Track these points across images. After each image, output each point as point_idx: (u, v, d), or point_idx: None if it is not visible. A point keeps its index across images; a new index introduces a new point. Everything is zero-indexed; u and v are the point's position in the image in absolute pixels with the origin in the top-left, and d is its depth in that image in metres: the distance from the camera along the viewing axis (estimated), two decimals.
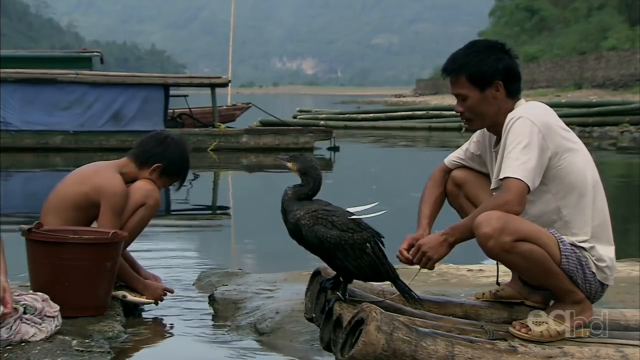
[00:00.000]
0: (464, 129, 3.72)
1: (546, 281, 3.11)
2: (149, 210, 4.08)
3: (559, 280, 3.05)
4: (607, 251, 3.12)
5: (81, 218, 3.96)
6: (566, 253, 3.03)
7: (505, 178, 3.01)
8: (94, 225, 3.97)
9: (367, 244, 3.08)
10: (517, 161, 3.00)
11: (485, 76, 3.16)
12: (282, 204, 3.17)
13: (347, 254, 3.06)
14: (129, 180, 4.06)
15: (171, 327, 4.01)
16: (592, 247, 3.09)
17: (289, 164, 3.22)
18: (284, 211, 3.16)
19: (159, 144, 4.17)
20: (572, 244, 3.06)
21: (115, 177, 3.99)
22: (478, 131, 3.40)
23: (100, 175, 3.98)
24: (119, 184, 3.97)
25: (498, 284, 3.47)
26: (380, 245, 3.14)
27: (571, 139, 3.15)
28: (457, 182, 3.44)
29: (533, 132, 3.04)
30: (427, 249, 3.09)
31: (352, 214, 3.11)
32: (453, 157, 3.50)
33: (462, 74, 3.18)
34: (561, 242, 3.04)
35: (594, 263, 3.08)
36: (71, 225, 3.90)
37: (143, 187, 4.07)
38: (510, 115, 3.12)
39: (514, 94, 3.21)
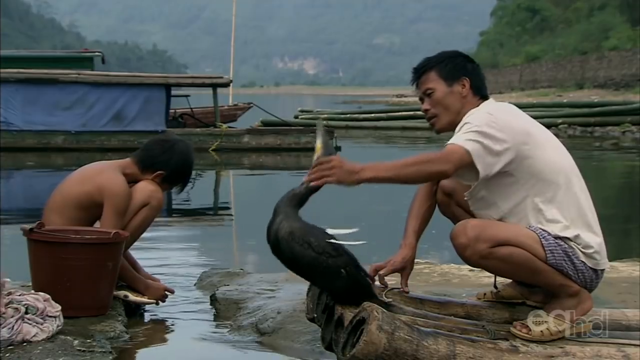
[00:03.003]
0: None
1: (535, 280, 3.11)
2: (152, 211, 4.08)
3: (548, 277, 3.05)
4: (592, 237, 3.09)
5: (84, 218, 3.97)
6: (550, 248, 3.02)
7: (447, 144, 3.00)
8: (97, 224, 3.97)
9: (342, 270, 2.99)
10: (463, 134, 3.01)
11: (453, 71, 3.24)
12: (275, 207, 3.06)
13: (321, 276, 3.00)
14: (131, 181, 4.06)
15: (173, 327, 4.02)
16: (576, 236, 3.06)
17: (319, 142, 3.05)
18: (274, 213, 3.05)
19: (164, 152, 4.14)
20: (556, 237, 3.05)
21: (119, 178, 3.99)
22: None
23: (103, 175, 3.98)
24: (122, 185, 3.97)
25: (495, 287, 3.47)
26: (359, 269, 3.06)
27: (535, 133, 3.12)
28: (446, 191, 3.44)
29: (484, 117, 3.06)
30: (337, 166, 2.94)
31: (332, 237, 3.02)
32: None
33: (432, 70, 3.26)
34: (543, 237, 3.03)
35: (581, 251, 3.06)
36: (74, 225, 3.91)
37: (146, 188, 4.07)
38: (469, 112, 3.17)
39: (479, 92, 3.25)
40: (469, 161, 2.98)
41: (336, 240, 3.01)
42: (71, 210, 3.95)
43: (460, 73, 3.25)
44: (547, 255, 3.01)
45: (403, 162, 2.98)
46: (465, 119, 3.10)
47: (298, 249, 2.96)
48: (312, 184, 2.98)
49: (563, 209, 3.08)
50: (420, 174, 2.97)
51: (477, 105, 3.21)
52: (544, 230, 3.04)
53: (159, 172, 4.11)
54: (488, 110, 3.12)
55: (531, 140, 3.08)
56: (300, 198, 3.02)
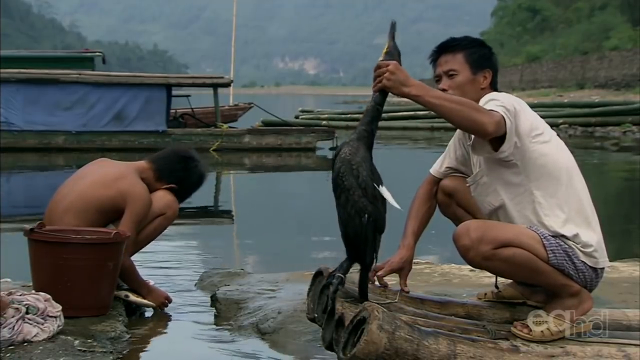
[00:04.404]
0: None
1: (537, 280, 3.11)
2: (166, 221, 4.16)
3: (550, 277, 3.05)
4: (591, 234, 3.09)
5: (101, 220, 3.99)
6: (551, 248, 3.02)
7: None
8: (109, 227, 3.98)
9: (365, 215, 2.95)
10: (494, 102, 2.98)
11: (481, 60, 3.23)
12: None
13: (347, 207, 2.95)
14: None
15: (173, 327, 4.02)
16: (575, 235, 3.05)
17: (387, 45, 3.04)
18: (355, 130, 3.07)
19: (183, 169, 4.24)
20: (555, 235, 3.04)
21: (141, 184, 4.05)
22: (458, 130, 3.40)
23: (126, 180, 4.02)
24: (145, 192, 4.03)
25: (496, 287, 3.47)
26: (378, 234, 3.02)
27: (540, 126, 3.13)
28: (447, 191, 3.44)
29: (503, 94, 3.08)
30: (391, 71, 2.91)
31: (380, 184, 2.97)
32: (441, 167, 3.49)
33: (460, 52, 3.23)
34: (544, 238, 3.02)
35: (581, 251, 3.06)
36: (91, 227, 3.92)
37: (165, 197, 4.14)
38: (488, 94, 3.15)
39: (494, 88, 3.25)
40: (502, 131, 2.94)
41: (381, 192, 2.96)
42: (90, 212, 3.97)
43: (486, 64, 3.24)
44: (549, 256, 3.01)
45: (452, 97, 2.96)
46: (489, 96, 3.06)
47: (346, 169, 2.95)
48: (373, 90, 2.98)
49: (562, 204, 3.08)
50: (464, 115, 2.87)
51: None
52: (545, 230, 3.04)
53: (172, 185, 4.19)
54: (508, 95, 3.11)
55: (539, 134, 3.09)
56: (371, 113, 3.02)
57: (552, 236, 3.04)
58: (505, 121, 2.94)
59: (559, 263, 3.03)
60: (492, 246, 2.96)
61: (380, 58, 3.01)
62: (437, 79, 3.29)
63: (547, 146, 3.10)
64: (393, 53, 3.01)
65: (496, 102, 2.99)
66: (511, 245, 2.98)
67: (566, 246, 3.04)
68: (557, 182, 3.09)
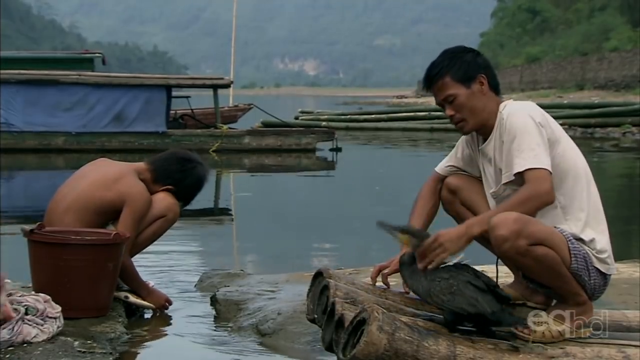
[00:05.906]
0: None
1: (554, 283, 3.10)
2: (166, 223, 4.16)
3: (566, 283, 3.06)
4: (605, 241, 3.12)
5: (100, 221, 4.00)
6: (574, 252, 3.03)
7: (526, 170, 3.01)
8: (110, 227, 3.98)
9: (453, 287, 2.96)
10: (532, 152, 3.01)
11: (468, 71, 3.20)
12: None
13: (440, 302, 3.00)
14: None
15: (173, 328, 4.01)
16: (592, 240, 3.08)
17: (400, 236, 3.07)
18: None
19: (181, 171, 4.23)
20: (575, 237, 3.06)
21: (140, 185, 4.05)
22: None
23: (125, 180, 4.02)
24: (144, 192, 4.03)
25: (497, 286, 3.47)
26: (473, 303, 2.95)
27: (559, 130, 3.17)
28: (451, 189, 3.43)
29: (532, 122, 3.08)
30: (445, 241, 2.98)
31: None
32: (446, 164, 3.49)
33: (446, 75, 3.20)
34: (569, 241, 3.04)
35: (596, 257, 3.08)
36: (89, 227, 3.92)
37: (165, 200, 4.14)
38: (504, 112, 3.16)
39: (496, 89, 3.24)
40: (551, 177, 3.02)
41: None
42: (91, 213, 3.97)
43: (475, 71, 3.21)
44: (572, 261, 3.02)
45: (505, 208, 3.01)
46: (517, 135, 3.07)
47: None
48: (430, 267, 3.00)
49: (583, 207, 3.11)
50: (529, 211, 2.99)
51: (498, 104, 3.21)
52: (570, 234, 3.06)
53: (169, 187, 4.18)
54: (529, 114, 3.10)
55: (561, 139, 3.11)
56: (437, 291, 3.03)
57: (574, 239, 3.06)
58: (548, 169, 3.00)
59: (579, 269, 3.04)
60: (528, 242, 2.94)
61: (405, 248, 3.10)
62: (441, 106, 3.27)
63: (568, 151, 3.13)
64: (420, 235, 3.05)
65: (527, 145, 3.03)
66: (544, 244, 2.97)
67: (584, 251, 3.05)
68: (577, 185, 3.13)
